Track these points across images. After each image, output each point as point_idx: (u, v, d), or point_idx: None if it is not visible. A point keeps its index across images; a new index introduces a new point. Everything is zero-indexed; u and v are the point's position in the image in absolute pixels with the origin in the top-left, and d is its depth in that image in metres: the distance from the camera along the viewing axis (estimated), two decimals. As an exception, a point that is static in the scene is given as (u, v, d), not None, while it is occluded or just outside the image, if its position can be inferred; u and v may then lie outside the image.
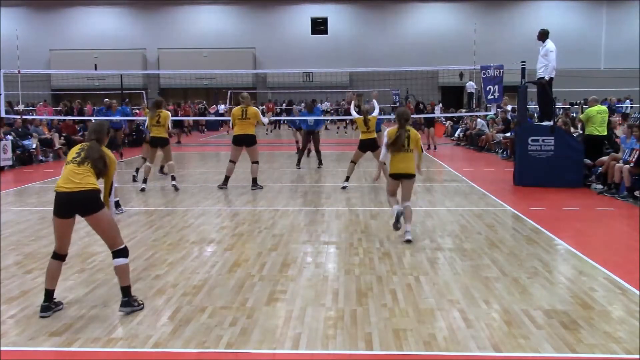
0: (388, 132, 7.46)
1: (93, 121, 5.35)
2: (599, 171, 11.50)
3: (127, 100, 25.85)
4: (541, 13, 43.10)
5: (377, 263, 6.49)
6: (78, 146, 5.18)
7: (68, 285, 5.77)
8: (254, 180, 11.70)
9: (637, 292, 5.48)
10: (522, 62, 13.36)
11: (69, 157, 5.04)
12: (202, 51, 43.22)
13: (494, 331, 4.60)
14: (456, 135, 23.91)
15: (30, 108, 31.96)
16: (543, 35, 12.39)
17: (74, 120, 21.10)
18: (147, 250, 7.07)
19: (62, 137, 18.66)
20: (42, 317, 4.93)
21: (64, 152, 18.16)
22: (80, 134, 20.08)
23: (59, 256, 5.10)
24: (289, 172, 14.39)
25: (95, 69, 34.78)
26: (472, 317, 4.88)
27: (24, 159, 16.46)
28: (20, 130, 17.22)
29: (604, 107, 13.13)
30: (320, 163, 15.21)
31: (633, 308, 5.09)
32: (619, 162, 10.74)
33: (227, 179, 11.79)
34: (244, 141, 11.63)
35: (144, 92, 35.19)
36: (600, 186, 11.26)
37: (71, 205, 4.90)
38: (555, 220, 8.82)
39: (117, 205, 9.07)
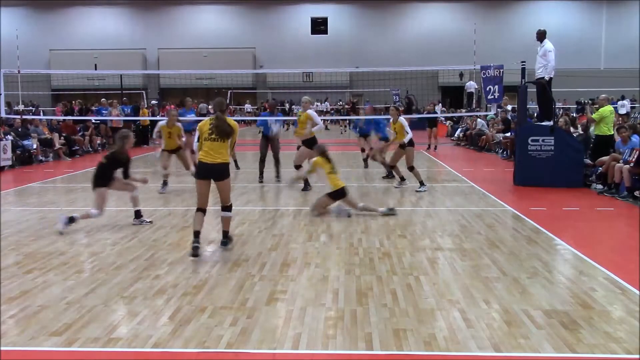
0: None
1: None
2: (599, 171, 11.50)
3: (126, 99, 25.83)
4: (541, 13, 43.12)
5: (377, 263, 6.49)
6: (208, 122, 6.68)
7: (68, 285, 5.77)
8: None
9: (637, 292, 5.48)
10: (522, 62, 13.38)
11: (205, 135, 6.60)
12: (202, 51, 43.23)
13: (494, 331, 4.60)
14: (456, 135, 23.91)
15: (30, 108, 31.98)
16: (541, 35, 12.40)
17: (73, 120, 21.10)
18: (147, 250, 7.07)
19: (62, 137, 18.65)
20: (192, 254, 6.61)
21: (64, 152, 18.18)
22: (80, 133, 20.10)
23: (202, 210, 6.80)
24: (289, 172, 14.35)
25: (95, 69, 34.81)
26: (472, 317, 4.88)
27: (24, 159, 16.46)
28: (20, 130, 17.22)
29: (612, 107, 13.20)
30: (277, 175, 12.76)
31: (633, 308, 5.09)
32: (618, 162, 10.76)
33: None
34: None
35: (144, 92, 35.21)
36: (600, 186, 11.27)
37: (208, 173, 6.66)
38: (555, 220, 8.82)
39: (137, 215, 8.59)
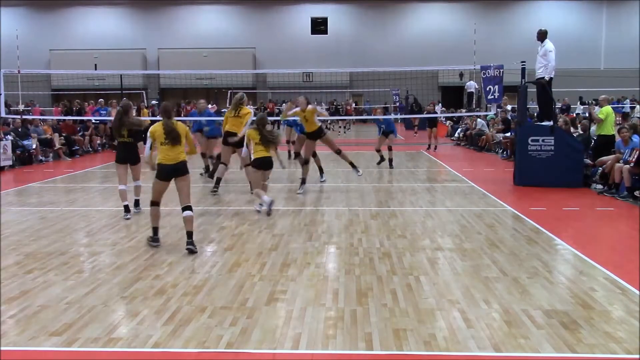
0: None
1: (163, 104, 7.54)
2: (599, 171, 11.50)
3: (125, 99, 25.80)
4: (541, 13, 43.09)
5: (377, 263, 6.49)
6: (161, 128, 7.08)
7: (68, 285, 5.77)
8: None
9: (637, 292, 5.48)
10: (522, 62, 13.37)
11: (160, 140, 7.06)
12: (202, 51, 43.20)
13: (494, 331, 4.61)
14: (456, 135, 23.91)
15: (28, 108, 31.97)
16: (542, 35, 12.39)
17: (73, 120, 21.09)
18: (147, 250, 7.07)
19: (62, 137, 18.65)
20: (153, 245, 7.05)
21: (64, 152, 18.18)
22: (80, 133, 20.09)
23: (156, 203, 7.17)
24: (288, 172, 14.37)
25: (95, 69, 34.78)
26: (472, 317, 4.88)
27: (24, 159, 16.45)
28: (20, 130, 17.22)
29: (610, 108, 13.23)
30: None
31: (633, 308, 5.09)
32: (618, 162, 10.76)
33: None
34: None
35: (144, 92, 35.20)
36: (600, 186, 11.27)
37: (170, 174, 7.09)
38: (555, 220, 8.82)
39: (137, 204, 9.34)
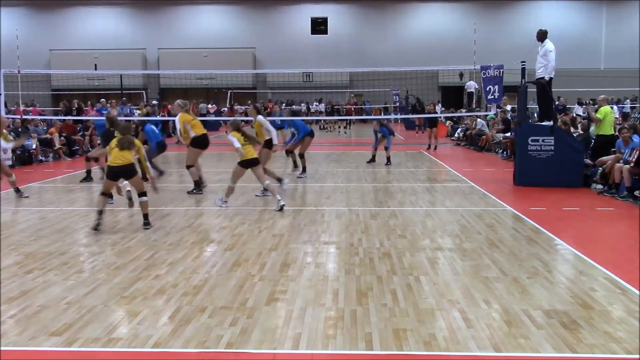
0: None
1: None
2: (599, 171, 11.50)
3: (125, 99, 25.83)
4: (541, 13, 43.11)
5: (377, 263, 6.49)
6: (116, 141, 8.21)
7: (68, 285, 5.77)
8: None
9: (637, 292, 5.48)
10: (522, 62, 13.36)
11: (112, 145, 8.16)
12: (202, 51, 43.22)
13: (494, 331, 4.61)
14: (456, 135, 23.91)
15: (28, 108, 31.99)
16: (542, 35, 12.40)
17: (73, 120, 21.09)
18: (147, 250, 7.07)
19: (62, 137, 18.64)
20: (95, 229, 7.95)
21: (64, 152, 18.18)
22: (80, 133, 20.09)
23: (106, 194, 8.29)
24: (288, 173, 14.36)
25: (95, 69, 34.81)
26: (472, 317, 4.88)
27: (24, 159, 16.46)
28: (20, 130, 17.21)
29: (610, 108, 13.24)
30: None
31: (633, 308, 5.09)
32: (618, 162, 10.76)
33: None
34: None
35: (144, 92, 35.22)
36: (600, 186, 11.26)
37: (119, 174, 8.18)
38: (555, 220, 8.82)
39: (111, 196, 9.44)
